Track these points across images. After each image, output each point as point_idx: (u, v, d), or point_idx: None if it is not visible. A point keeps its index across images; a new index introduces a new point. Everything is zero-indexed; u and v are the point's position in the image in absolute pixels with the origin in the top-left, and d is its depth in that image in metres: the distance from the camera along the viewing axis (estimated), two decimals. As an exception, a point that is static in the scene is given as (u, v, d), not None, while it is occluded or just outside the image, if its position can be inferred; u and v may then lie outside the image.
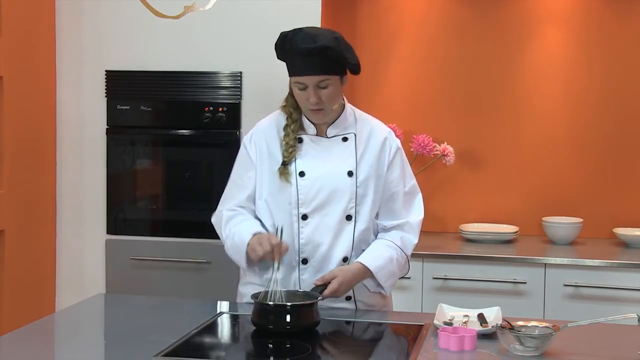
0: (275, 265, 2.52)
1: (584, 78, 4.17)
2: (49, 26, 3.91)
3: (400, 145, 2.76)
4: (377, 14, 4.29)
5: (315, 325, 2.41)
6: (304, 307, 2.41)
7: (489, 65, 4.23)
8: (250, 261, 2.63)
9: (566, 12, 4.16)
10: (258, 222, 2.69)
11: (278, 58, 2.66)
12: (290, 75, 2.61)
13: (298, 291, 2.56)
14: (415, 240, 2.76)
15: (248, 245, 2.60)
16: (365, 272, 2.64)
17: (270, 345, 2.33)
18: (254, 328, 2.40)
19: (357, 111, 2.76)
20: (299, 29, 2.59)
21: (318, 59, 2.53)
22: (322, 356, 2.30)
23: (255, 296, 2.45)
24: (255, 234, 2.61)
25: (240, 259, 2.65)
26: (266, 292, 2.47)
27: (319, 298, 2.47)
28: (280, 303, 2.41)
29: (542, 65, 4.19)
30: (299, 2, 3.76)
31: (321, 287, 2.55)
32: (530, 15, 4.18)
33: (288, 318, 2.36)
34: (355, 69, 2.62)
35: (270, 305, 2.39)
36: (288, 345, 2.29)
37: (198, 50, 3.86)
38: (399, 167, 2.73)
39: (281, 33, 2.62)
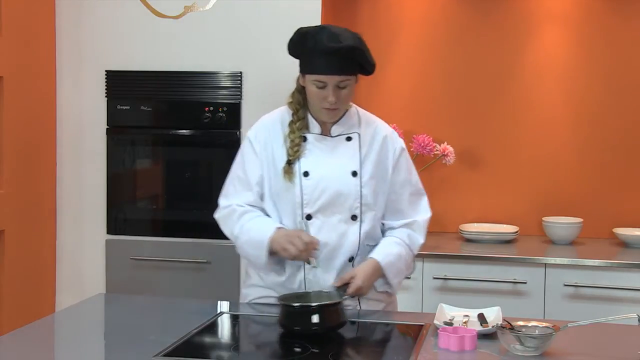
0: (313, 262, 2.51)
1: (584, 78, 4.16)
2: (49, 26, 3.91)
3: (404, 145, 2.75)
4: (377, 13, 4.28)
5: (342, 325, 2.37)
6: (328, 307, 2.36)
7: (490, 65, 4.23)
8: (272, 256, 2.58)
9: (567, 12, 4.15)
10: (272, 219, 2.66)
11: (290, 54, 2.62)
12: (307, 73, 2.56)
13: (322, 292, 2.51)
14: (422, 240, 2.75)
15: (273, 240, 2.54)
16: (381, 268, 2.62)
17: (271, 345, 2.33)
18: (254, 328, 2.40)
19: (362, 111, 2.75)
20: (322, 26, 2.56)
21: (343, 59, 2.51)
22: (322, 356, 2.30)
23: (283, 298, 2.41)
24: (279, 228, 2.57)
25: (259, 253, 2.58)
26: (303, 293, 2.48)
27: (343, 297, 2.45)
28: (305, 304, 2.38)
29: (542, 65, 4.19)
30: (299, 2, 3.76)
31: (342, 288, 2.53)
32: (530, 15, 4.18)
33: (315, 319, 2.32)
34: (372, 70, 2.61)
35: (295, 307, 2.35)
36: (289, 345, 2.29)
37: (198, 50, 3.85)
38: (405, 169, 2.73)
39: (300, 29, 2.58)
